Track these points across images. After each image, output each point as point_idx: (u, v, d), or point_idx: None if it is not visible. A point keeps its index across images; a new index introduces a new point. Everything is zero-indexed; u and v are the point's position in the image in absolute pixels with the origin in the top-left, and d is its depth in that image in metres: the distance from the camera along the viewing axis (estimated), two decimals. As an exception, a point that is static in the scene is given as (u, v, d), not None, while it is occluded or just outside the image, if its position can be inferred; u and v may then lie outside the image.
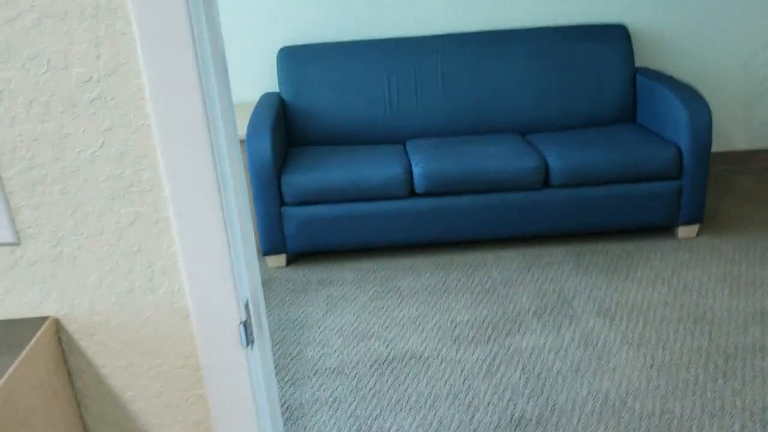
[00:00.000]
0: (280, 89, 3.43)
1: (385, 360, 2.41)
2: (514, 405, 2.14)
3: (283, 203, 3.00)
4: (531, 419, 2.08)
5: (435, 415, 2.12)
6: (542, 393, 2.19)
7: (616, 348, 2.40)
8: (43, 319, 0.97)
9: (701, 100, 3.00)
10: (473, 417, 2.10)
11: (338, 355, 2.45)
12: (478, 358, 2.38)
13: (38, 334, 0.94)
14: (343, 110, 3.40)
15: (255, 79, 3.66)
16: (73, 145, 0.90)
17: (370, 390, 2.26)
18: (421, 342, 2.50)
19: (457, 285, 2.89)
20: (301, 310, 2.76)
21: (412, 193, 3.04)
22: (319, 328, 2.63)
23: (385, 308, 2.74)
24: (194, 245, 0.94)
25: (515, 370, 2.31)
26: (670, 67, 3.79)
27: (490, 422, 2.07)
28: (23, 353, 0.90)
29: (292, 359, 2.44)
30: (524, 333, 2.52)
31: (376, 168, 2.98)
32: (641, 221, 3.11)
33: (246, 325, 1.00)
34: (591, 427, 2.03)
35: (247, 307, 1.02)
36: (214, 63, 0.90)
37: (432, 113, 3.43)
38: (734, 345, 2.37)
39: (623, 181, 3.04)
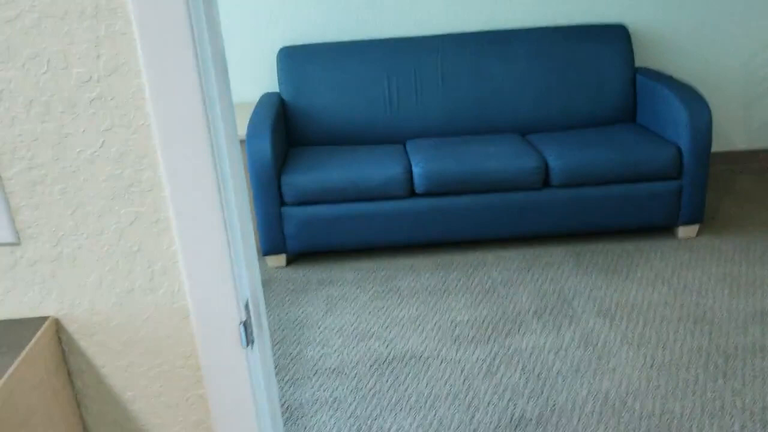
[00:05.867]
0: (280, 89, 3.43)
1: (385, 360, 2.41)
2: (514, 405, 2.14)
3: (283, 203, 3.00)
4: (531, 419, 2.08)
5: (435, 415, 2.12)
6: (542, 393, 2.19)
7: (616, 348, 2.40)
8: (43, 319, 0.97)
9: (701, 100, 3.00)
10: (473, 417, 2.10)
11: (338, 355, 2.45)
12: (478, 358, 2.38)
13: (38, 334, 0.94)
14: (343, 110, 3.40)
15: (255, 79, 3.66)
16: (73, 145, 0.90)
17: (370, 390, 2.26)
18: (421, 342, 2.50)
19: (457, 285, 2.89)
20: (301, 310, 2.76)
21: (412, 193, 3.04)
22: (319, 328, 2.63)
23: (385, 308, 2.74)
24: (194, 245, 0.94)
25: (515, 370, 2.31)
26: (670, 67, 3.79)
27: (490, 422, 2.07)
28: (23, 353, 0.90)
29: (292, 359, 2.44)
30: (524, 333, 2.52)
31: (376, 168, 2.98)
32: (641, 221, 3.11)
33: (246, 325, 1.00)
34: (591, 427, 2.03)
35: (247, 307, 1.02)
36: (214, 63, 0.90)
37: (432, 113, 3.43)
38: (734, 345, 2.37)
39: (623, 181, 3.04)
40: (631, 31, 3.69)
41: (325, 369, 2.38)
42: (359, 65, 3.41)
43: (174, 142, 0.89)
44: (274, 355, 2.48)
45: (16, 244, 0.94)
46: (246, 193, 1.04)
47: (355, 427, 2.09)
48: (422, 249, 3.24)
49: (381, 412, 2.15)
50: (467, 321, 2.61)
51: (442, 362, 2.38)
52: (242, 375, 1.01)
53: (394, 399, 2.20)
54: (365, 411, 2.16)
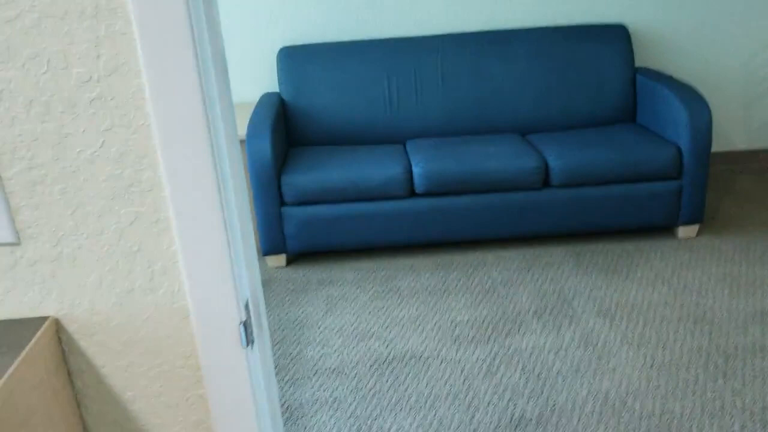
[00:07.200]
0: (280, 89, 3.43)
1: (385, 360, 2.41)
2: (514, 405, 2.14)
3: (283, 203, 3.00)
4: (531, 419, 2.08)
5: (435, 415, 2.12)
6: (542, 393, 2.19)
7: (616, 348, 2.40)
8: (43, 319, 0.97)
9: (701, 100, 3.00)
10: (473, 417, 2.10)
11: (338, 355, 2.45)
12: (478, 358, 2.38)
13: (38, 334, 0.94)
14: (343, 110, 3.40)
15: (255, 79, 3.66)
16: (73, 145, 0.90)
17: (370, 390, 2.26)
18: (421, 342, 2.50)
19: (457, 285, 2.89)
20: (301, 310, 2.76)
21: (412, 193, 3.04)
22: (319, 328, 2.63)
23: (385, 308, 2.74)
24: (194, 245, 0.94)
25: (515, 370, 2.31)
26: (670, 67, 3.79)
27: (490, 422, 2.07)
28: (23, 353, 0.90)
29: (292, 359, 2.44)
30: (524, 333, 2.52)
31: (376, 168, 2.98)
32: (641, 221, 3.11)
33: (246, 325, 1.00)
34: (591, 427, 2.03)
35: (247, 307, 1.02)
36: (214, 63, 0.90)
37: (432, 113, 3.43)
38: (734, 345, 2.37)
39: (623, 181, 3.04)
40: (631, 31, 3.69)
41: (325, 369, 2.38)
42: (359, 65, 3.41)
43: (174, 142, 0.89)
44: (274, 355, 2.48)
45: (16, 244, 0.94)
46: (246, 193, 1.04)
47: (355, 427, 2.09)
48: (422, 249, 3.24)
49: (381, 412, 2.15)
50: (467, 321, 2.61)
51: (442, 362, 2.38)
52: (242, 375, 1.01)
53: (394, 399, 2.20)
54: (365, 411, 2.16)
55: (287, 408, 2.19)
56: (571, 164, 2.98)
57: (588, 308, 2.65)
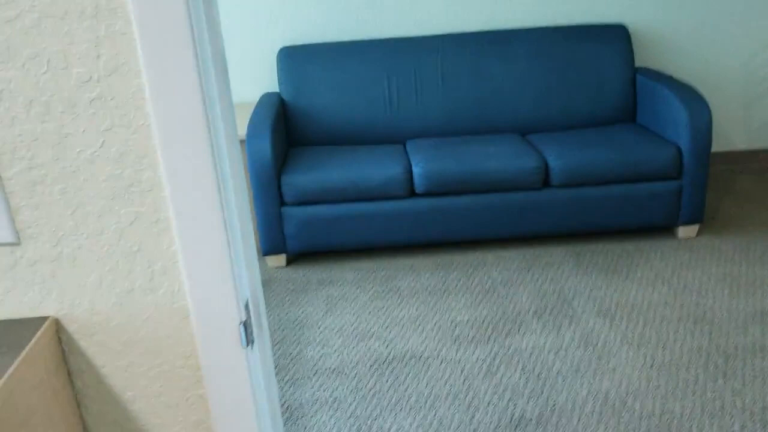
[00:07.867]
0: (280, 89, 3.43)
1: (385, 360, 2.41)
2: (514, 405, 2.14)
3: (283, 203, 3.00)
4: (531, 419, 2.08)
5: (435, 415, 2.12)
6: (542, 393, 2.19)
7: (616, 348, 2.40)
8: (43, 319, 0.97)
9: (701, 100, 3.00)
10: (473, 417, 2.10)
11: (338, 355, 2.45)
12: (478, 358, 2.38)
13: (38, 334, 0.94)
14: (343, 110, 3.40)
15: (255, 79, 3.66)
16: (73, 145, 0.90)
17: (370, 390, 2.26)
18: (421, 342, 2.50)
19: (457, 285, 2.89)
20: (301, 310, 2.76)
21: (412, 193, 3.04)
22: (319, 328, 2.63)
23: (385, 308, 2.74)
24: (194, 245, 0.94)
25: (515, 370, 2.31)
26: (670, 67, 3.79)
27: (490, 422, 2.07)
28: (23, 353, 0.90)
29: (292, 359, 2.44)
30: (524, 333, 2.52)
31: (376, 168, 2.98)
32: (641, 221, 3.11)
33: (246, 325, 1.00)
34: (591, 427, 2.03)
35: (247, 307, 1.02)
36: (214, 63, 0.90)
37: (432, 113, 3.43)
38: (734, 345, 2.37)
39: (623, 181, 3.04)
40: (631, 31, 3.69)
41: (325, 369, 2.38)
42: (359, 65, 3.41)
43: (174, 142, 0.89)
44: (274, 355, 2.48)
45: (16, 244, 0.94)
46: (246, 193, 1.04)
47: (355, 427, 2.09)
48: (422, 249, 3.24)
49: (381, 412, 2.15)
50: (467, 321, 2.61)
51: (442, 362, 2.38)
52: (242, 375, 1.01)
53: (394, 399, 2.20)
54: (365, 411, 2.16)
55: (287, 408, 2.19)
56: (571, 164, 2.98)
57: (588, 308, 2.65)
